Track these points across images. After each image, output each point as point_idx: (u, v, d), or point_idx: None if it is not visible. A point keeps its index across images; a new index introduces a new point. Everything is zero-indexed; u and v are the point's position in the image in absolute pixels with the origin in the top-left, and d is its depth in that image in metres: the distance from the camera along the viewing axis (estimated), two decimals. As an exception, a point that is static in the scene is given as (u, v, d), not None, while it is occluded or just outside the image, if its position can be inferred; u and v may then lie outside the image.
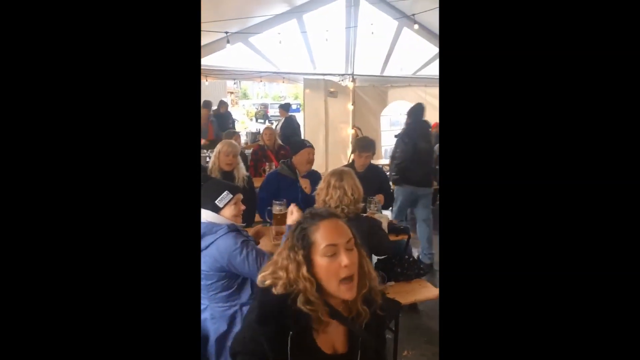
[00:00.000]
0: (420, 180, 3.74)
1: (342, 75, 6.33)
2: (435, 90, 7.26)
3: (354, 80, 6.33)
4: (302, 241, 0.98)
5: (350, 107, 6.34)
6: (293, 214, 1.64)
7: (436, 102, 7.36)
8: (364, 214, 2.56)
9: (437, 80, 7.34)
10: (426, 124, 4.03)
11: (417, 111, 3.98)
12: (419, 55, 6.92)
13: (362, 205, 2.06)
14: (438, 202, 5.83)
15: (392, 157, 3.96)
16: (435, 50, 6.86)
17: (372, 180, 3.00)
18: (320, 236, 0.96)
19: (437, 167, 5.12)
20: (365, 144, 2.98)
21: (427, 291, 2.44)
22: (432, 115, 7.20)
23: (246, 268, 1.55)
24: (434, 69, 7.03)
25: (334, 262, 0.95)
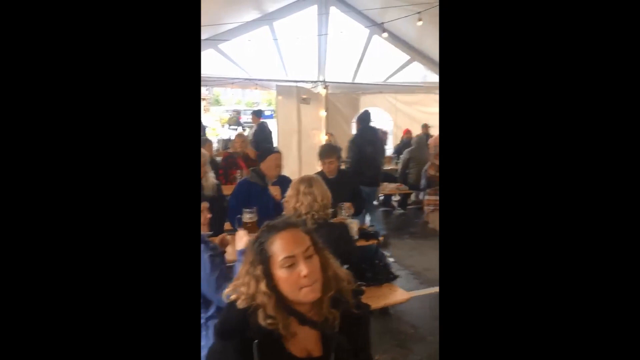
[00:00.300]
0: (368, 181, 4.08)
1: (315, 82, 6.37)
2: (405, 97, 7.41)
3: (326, 87, 6.38)
4: (260, 255, 0.97)
5: (322, 113, 6.38)
6: (242, 239, 1.60)
7: (406, 109, 7.51)
8: (333, 219, 2.58)
9: (407, 87, 7.48)
10: (373, 129, 4.45)
11: (364, 118, 4.41)
12: (390, 63, 7.05)
13: (331, 211, 2.08)
14: (409, 207, 5.94)
15: (344, 161, 4.34)
16: (405, 57, 7.02)
17: (343, 186, 3.03)
18: (277, 249, 0.96)
19: (409, 171, 5.23)
20: (326, 150, 3.04)
21: (398, 295, 2.48)
22: (403, 122, 7.37)
23: (205, 285, 1.52)
24: (404, 76, 7.19)
25: (294, 273, 0.94)
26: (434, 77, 7.43)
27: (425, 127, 6.92)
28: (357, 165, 4.12)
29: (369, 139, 4.25)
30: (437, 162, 3.64)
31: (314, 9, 6.06)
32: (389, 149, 7.09)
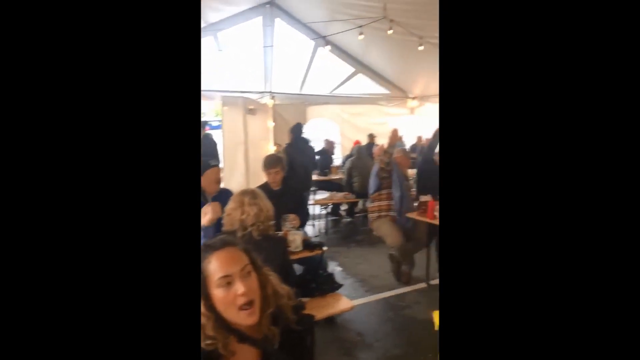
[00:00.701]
0: (300, 187, 4.48)
1: (261, 92, 6.36)
2: (352, 108, 7.59)
3: (273, 98, 6.39)
4: None
5: (270, 124, 6.37)
6: (207, 215, 1.62)
7: (353, 120, 7.68)
8: (279, 232, 2.57)
9: (353, 99, 7.67)
10: (304, 140, 5.02)
11: (297, 130, 4.96)
12: (336, 75, 7.21)
13: (273, 223, 2.07)
14: (357, 215, 6.05)
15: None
16: (350, 69, 7.20)
17: (289, 197, 3.03)
18: (213, 268, 0.95)
19: (354, 179, 5.34)
20: (270, 160, 3.01)
21: (342, 304, 2.51)
22: (351, 133, 7.54)
23: None
24: (349, 88, 7.37)
25: (230, 292, 0.94)
26: (378, 89, 7.69)
27: (371, 136, 7.13)
28: (289, 172, 4.46)
29: (300, 148, 4.78)
30: (385, 158, 3.77)
31: (258, 20, 6.07)
32: (338, 159, 7.21)
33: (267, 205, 2.04)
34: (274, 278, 1.06)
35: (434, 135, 4.11)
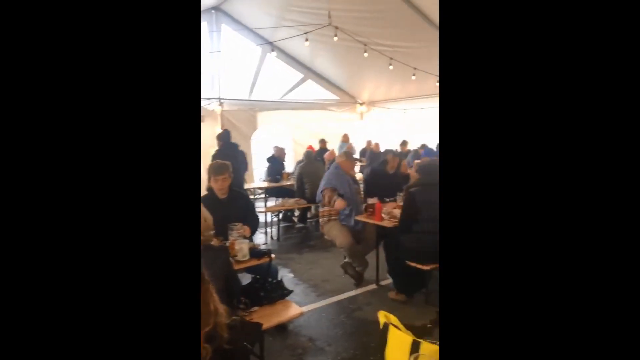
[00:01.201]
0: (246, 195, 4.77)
1: (209, 99, 6.24)
2: (303, 114, 7.65)
3: (221, 104, 6.29)
4: None
5: (219, 131, 6.25)
6: None
7: (304, 125, 7.74)
8: (226, 242, 2.53)
9: (304, 104, 7.72)
10: (233, 145, 5.32)
11: (225, 136, 5.26)
12: (285, 81, 7.22)
13: (212, 233, 2.03)
14: (309, 220, 6.06)
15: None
16: (299, 75, 7.25)
17: (236, 206, 2.97)
18: None
19: (306, 185, 5.35)
20: (218, 167, 2.93)
21: (291, 310, 2.49)
22: (303, 139, 7.57)
23: None
24: (299, 94, 7.41)
25: None
26: (328, 95, 7.79)
27: (322, 141, 7.20)
28: None
29: (229, 154, 4.93)
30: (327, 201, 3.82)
31: (203, 25, 5.97)
32: (290, 166, 7.21)
33: (206, 214, 2.00)
34: (215, 295, 1.05)
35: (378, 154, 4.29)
